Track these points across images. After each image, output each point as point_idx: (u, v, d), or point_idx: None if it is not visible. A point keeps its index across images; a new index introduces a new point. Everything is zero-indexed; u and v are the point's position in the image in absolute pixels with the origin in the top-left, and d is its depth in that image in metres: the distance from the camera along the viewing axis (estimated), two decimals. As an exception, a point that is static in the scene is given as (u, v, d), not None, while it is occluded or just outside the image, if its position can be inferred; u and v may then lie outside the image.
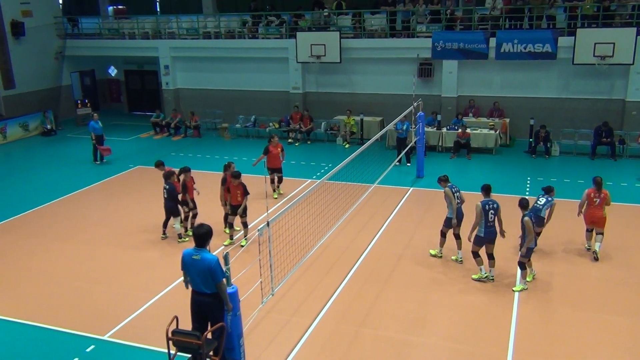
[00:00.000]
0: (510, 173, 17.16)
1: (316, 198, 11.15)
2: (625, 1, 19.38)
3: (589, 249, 11.57)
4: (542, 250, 11.70)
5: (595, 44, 18.41)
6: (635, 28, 18.21)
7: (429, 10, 21.53)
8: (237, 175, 12.03)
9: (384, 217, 13.69)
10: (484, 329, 9.07)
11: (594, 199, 11.21)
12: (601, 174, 12.21)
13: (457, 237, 11.31)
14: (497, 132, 19.41)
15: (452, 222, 11.13)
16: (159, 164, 13.40)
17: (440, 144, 19.72)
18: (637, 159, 18.06)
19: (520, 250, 10.20)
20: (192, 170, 12.90)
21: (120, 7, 29.70)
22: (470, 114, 20.72)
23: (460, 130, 19.02)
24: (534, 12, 20.06)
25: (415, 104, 16.43)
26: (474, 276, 10.57)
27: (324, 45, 21.49)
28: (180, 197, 12.55)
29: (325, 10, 23.54)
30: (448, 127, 19.74)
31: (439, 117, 20.04)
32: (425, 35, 21.09)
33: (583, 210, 11.43)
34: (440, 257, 11.49)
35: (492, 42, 19.84)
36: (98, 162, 19.26)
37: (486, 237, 10.25)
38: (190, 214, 12.96)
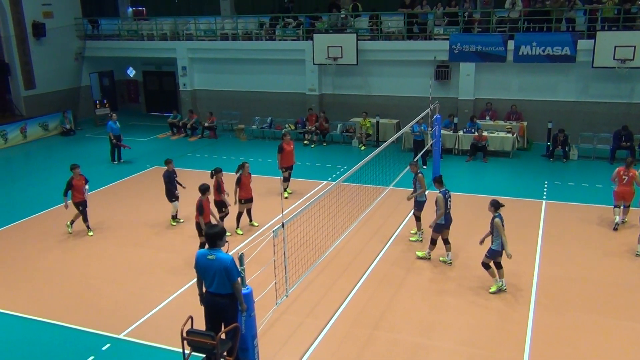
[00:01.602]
0: (527, 177, 17.01)
1: (331, 200, 11.16)
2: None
3: (616, 225, 12.67)
4: (558, 254, 11.58)
5: (615, 47, 18.19)
6: (657, 31, 18.00)
7: (446, 13, 21.44)
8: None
9: (399, 220, 13.63)
10: (500, 333, 9.00)
11: (623, 177, 12.63)
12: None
13: (446, 241, 11.37)
14: (515, 135, 19.26)
15: (431, 225, 11.26)
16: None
17: (456, 146, 19.62)
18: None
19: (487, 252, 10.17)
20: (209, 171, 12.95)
21: (139, 8, 29.99)
22: (488, 117, 20.58)
23: (477, 133, 18.90)
24: (553, 14, 19.87)
25: (431, 106, 16.36)
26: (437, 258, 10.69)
27: (341, 47, 21.49)
28: (214, 197, 12.56)
29: (342, 12, 23.56)
30: (465, 130, 19.63)
31: (455, 120, 19.94)
32: (443, 37, 21.00)
33: (614, 187, 12.82)
34: (429, 259, 11.51)
35: (510, 44, 19.70)
36: (116, 162, 19.48)
37: (446, 223, 11.15)
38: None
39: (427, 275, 11.01)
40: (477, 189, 15.93)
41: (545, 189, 15.73)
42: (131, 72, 29.08)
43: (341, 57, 21.58)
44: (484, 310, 9.66)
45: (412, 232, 12.75)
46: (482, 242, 10.42)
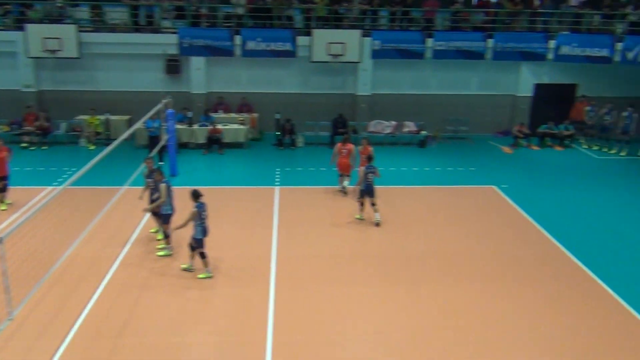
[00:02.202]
0: (261, 165, 17.95)
1: (59, 206, 10.21)
2: (352, 6, 21.66)
3: (342, 189, 15.11)
4: (294, 235, 12.51)
5: (328, 43, 20.23)
6: (360, 30, 20.50)
7: (173, 6, 21.21)
8: None
9: (136, 221, 13.09)
10: (247, 317, 9.35)
11: (342, 150, 14.82)
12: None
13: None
14: (247, 126, 20.11)
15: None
16: None
17: (192, 140, 19.66)
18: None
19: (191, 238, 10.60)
20: None
21: None
22: (221, 110, 21.07)
23: (211, 126, 19.22)
24: (274, 12, 21.18)
25: (164, 101, 16.08)
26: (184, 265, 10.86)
27: (60, 39, 19.67)
28: None
29: (59, 1, 21.51)
30: (200, 124, 19.78)
31: (189, 114, 19.96)
32: (172, 30, 20.74)
33: (335, 160, 15.01)
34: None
35: (238, 39, 20.43)
36: None
37: (366, 189, 13.02)
38: None
39: (170, 273, 10.83)
40: (215, 180, 16.25)
41: (277, 176, 16.80)
42: None
43: (61, 50, 19.76)
44: (228, 299, 9.92)
45: (158, 247, 11.82)
46: (180, 227, 10.56)
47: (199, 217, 10.39)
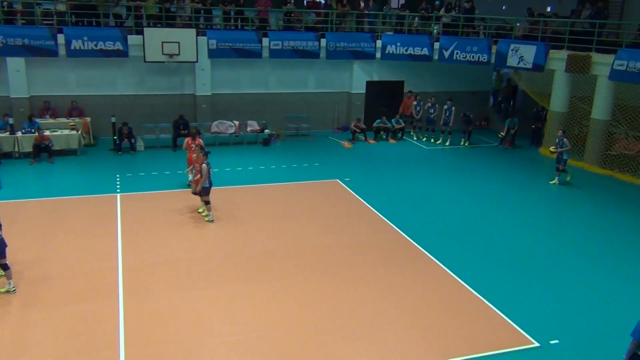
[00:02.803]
0: (98, 173, 16.79)
1: None
2: (184, 4, 21.14)
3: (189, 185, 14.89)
4: (139, 242, 11.93)
5: (162, 42, 19.54)
6: (195, 29, 20.11)
7: (-19, 1, 19.01)
8: None
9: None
10: (94, 335, 8.69)
11: (192, 145, 14.70)
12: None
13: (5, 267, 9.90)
14: (79, 132, 18.71)
15: None
16: None
17: (17, 149, 17.80)
18: (209, 147, 19.97)
19: None
20: None
21: None
22: (48, 115, 19.37)
23: (37, 133, 17.56)
24: (100, 9, 19.92)
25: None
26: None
27: None
28: None
29: None
30: (24, 131, 17.98)
31: (10, 121, 18.03)
32: (-20, 28, 18.58)
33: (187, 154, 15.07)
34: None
35: (61, 38, 18.92)
36: None
37: (210, 186, 13.04)
38: None
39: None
40: (47, 191, 14.90)
41: (118, 183, 15.88)
42: None
43: None
44: (72, 317, 9.16)
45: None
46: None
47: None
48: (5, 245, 9.70)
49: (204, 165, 12.86)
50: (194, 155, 13.85)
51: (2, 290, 9.74)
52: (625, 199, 15.94)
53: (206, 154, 13.13)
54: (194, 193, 13.58)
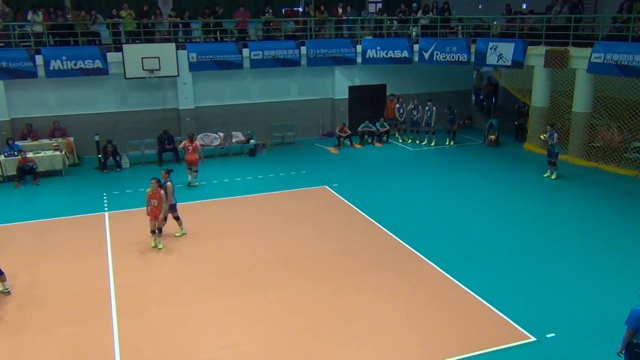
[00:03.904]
0: (85, 191, 16.65)
1: None
2: (162, 19, 21.08)
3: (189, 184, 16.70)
4: (130, 260, 11.81)
5: (142, 58, 19.44)
6: (174, 43, 20.06)
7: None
8: None
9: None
10: (90, 356, 8.60)
11: (188, 147, 16.41)
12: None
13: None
14: (63, 152, 18.53)
15: None
16: None
17: (0, 173, 17.58)
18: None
19: None
20: None
21: None
22: (29, 138, 19.17)
23: (20, 156, 17.35)
24: (77, 28, 19.79)
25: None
26: None
27: None
28: None
29: None
30: (6, 154, 17.77)
31: (-8, 144, 17.86)
32: (-43, 53, 18.37)
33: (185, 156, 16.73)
34: None
35: (40, 59, 18.78)
36: None
37: (175, 203, 13.05)
38: None
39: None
40: (33, 214, 14.72)
41: (105, 201, 15.74)
42: None
43: None
44: (66, 339, 9.04)
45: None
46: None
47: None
48: None
49: (168, 183, 12.57)
50: (149, 190, 12.46)
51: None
52: (611, 190, 16.11)
53: (168, 171, 12.95)
54: (158, 227, 12.45)
